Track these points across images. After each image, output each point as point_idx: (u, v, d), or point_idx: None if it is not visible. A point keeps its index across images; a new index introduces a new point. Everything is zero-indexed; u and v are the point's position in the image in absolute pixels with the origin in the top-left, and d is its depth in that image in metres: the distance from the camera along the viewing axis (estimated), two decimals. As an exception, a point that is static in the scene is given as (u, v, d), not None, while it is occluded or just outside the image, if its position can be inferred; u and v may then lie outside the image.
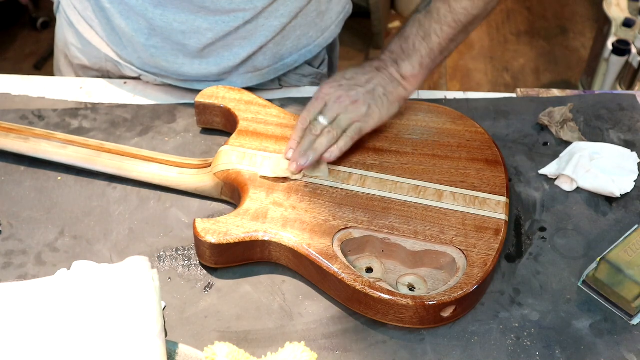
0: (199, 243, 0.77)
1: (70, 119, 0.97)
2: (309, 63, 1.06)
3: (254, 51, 0.98)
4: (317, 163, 0.83)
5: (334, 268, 0.74)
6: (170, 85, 1.03)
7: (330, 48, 1.12)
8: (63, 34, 1.08)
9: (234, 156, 0.85)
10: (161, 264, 0.80)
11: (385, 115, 0.86)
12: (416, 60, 0.86)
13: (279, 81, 1.05)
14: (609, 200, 0.88)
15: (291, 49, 1.01)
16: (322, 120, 0.84)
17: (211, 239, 0.76)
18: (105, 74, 1.07)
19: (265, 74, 1.02)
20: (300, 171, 0.82)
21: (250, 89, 0.99)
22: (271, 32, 0.96)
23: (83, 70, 1.08)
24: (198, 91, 0.95)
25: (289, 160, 0.83)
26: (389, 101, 0.86)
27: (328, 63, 1.12)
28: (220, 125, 0.94)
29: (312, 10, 0.99)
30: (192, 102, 0.96)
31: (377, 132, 0.89)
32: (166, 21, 0.93)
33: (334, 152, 0.83)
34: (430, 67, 0.88)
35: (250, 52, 0.98)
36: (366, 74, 0.86)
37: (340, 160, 0.85)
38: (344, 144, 0.83)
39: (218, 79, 1.00)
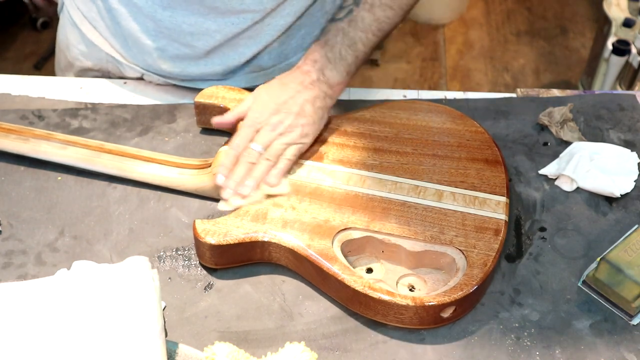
0: (198, 244, 0.77)
1: (70, 119, 0.97)
2: None
3: (259, 50, 0.98)
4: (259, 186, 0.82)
5: (334, 269, 0.74)
6: (170, 85, 1.03)
7: None
8: (65, 34, 1.08)
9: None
10: (161, 264, 0.80)
11: (318, 129, 0.87)
12: (343, 69, 0.87)
13: None
14: (609, 200, 0.88)
15: (296, 48, 1.01)
16: (256, 148, 0.83)
17: (211, 240, 0.76)
18: (106, 75, 1.07)
19: (270, 73, 1.02)
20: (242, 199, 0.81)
21: (254, 89, 0.99)
22: (277, 31, 0.97)
23: (84, 71, 1.08)
24: (199, 90, 0.95)
25: (219, 185, 0.82)
26: (318, 116, 0.86)
27: None
28: (220, 125, 0.94)
29: (317, 9, 0.99)
30: (192, 102, 0.96)
31: (377, 132, 0.89)
32: (175, 23, 0.93)
33: (276, 176, 0.82)
34: (353, 74, 0.89)
35: (256, 52, 0.98)
36: (292, 93, 0.86)
37: (341, 160, 0.85)
38: (284, 166, 0.83)
39: (222, 78, 1.01)
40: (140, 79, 1.04)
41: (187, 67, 0.98)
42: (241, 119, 0.87)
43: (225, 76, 1.00)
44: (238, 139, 0.85)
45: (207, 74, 0.99)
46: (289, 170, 0.84)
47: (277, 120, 0.85)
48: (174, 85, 1.03)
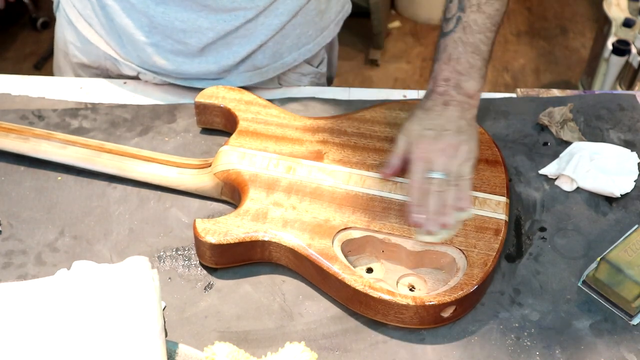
0: (199, 243, 0.77)
1: (70, 119, 0.97)
2: (308, 62, 1.06)
3: (254, 50, 0.98)
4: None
5: (334, 268, 0.74)
6: (170, 85, 1.03)
7: (329, 47, 1.12)
8: (62, 32, 1.08)
9: (234, 156, 0.85)
10: (161, 264, 0.80)
11: (478, 140, 0.83)
12: (478, 75, 0.84)
13: (278, 80, 1.05)
14: (609, 200, 0.88)
15: (290, 48, 1.01)
16: (439, 176, 0.79)
17: (211, 239, 0.76)
18: (105, 72, 1.07)
19: (265, 72, 1.02)
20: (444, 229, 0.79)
21: (249, 88, 0.99)
22: (271, 31, 0.97)
23: (82, 69, 1.09)
24: (198, 90, 0.95)
25: (417, 225, 0.78)
26: (474, 128, 0.83)
27: (327, 62, 1.12)
28: (220, 125, 0.94)
29: (312, 8, 0.99)
30: (192, 102, 0.96)
31: (377, 132, 0.89)
32: (167, 19, 0.93)
33: (467, 199, 0.79)
34: (486, 75, 0.86)
35: (250, 51, 0.98)
36: (442, 115, 0.83)
37: (341, 160, 0.85)
38: (468, 186, 0.80)
39: (217, 77, 1.01)
40: (137, 77, 1.04)
41: (182, 64, 0.98)
42: (406, 159, 0.83)
43: (220, 75, 1.01)
44: (417, 174, 0.80)
45: (202, 73, 0.99)
46: (291, 170, 0.84)
47: (443, 144, 0.80)
48: (174, 85, 1.03)
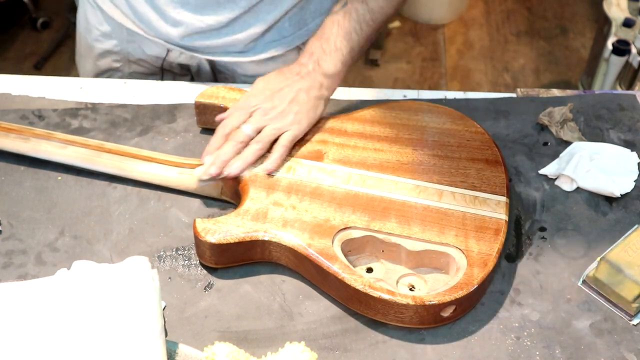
0: (199, 243, 0.77)
1: (70, 119, 0.97)
2: None
3: (281, 16, 1.00)
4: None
5: (334, 268, 0.74)
6: (170, 85, 1.03)
7: None
8: (85, 16, 1.09)
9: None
10: (161, 264, 0.80)
11: (312, 118, 0.88)
12: (338, 59, 0.89)
13: (298, 51, 1.07)
14: (609, 200, 0.88)
15: (314, 13, 1.04)
16: (247, 130, 0.84)
17: (211, 238, 0.76)
18: (125, 58, 1.08)
19: (290, 41, 1.04)
20: (217, 177, 0.82)
21: (269, 60, 1.02)
22: None
23: (104, 54, 1.10)
24: (199, 87, 0.95)
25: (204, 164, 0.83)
26: (312, 105, 0.87)
27: None
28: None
29: None
30: (192, 102, 0.96)
31: (377, 132, 0.89)
32: None
33: (273, 162, 0.83)
34: (350, 65, 0.91)
35: (277, 17, 1.00)
36: (288, 82, 0.88)
37: (341, 160, 0.85)
38: (279, 155, 0.84)
39: (244, 49, 1.02)
40: (160, 65, 1.04)
41: (209, 37, 1.00)
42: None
43: (246, 46, 1.02)
44: (229, 119, 0.85)
45: (229, 44, 1.01)
46: (291, 170, 0.84)
47: (270, 105, 0.86)
48: (174, 85, 1.03)
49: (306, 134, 0.88)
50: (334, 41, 0.89)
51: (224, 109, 0.92)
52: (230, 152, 0.83)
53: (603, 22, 2.10)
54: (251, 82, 0.92)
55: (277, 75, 0.89)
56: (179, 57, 1.04)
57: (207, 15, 0.98)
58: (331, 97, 1.01)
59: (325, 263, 0.74)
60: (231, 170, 0.82)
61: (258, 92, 0.88)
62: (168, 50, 1.05)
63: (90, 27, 1.08)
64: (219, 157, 0.82)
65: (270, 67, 1.04)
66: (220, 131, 0.85)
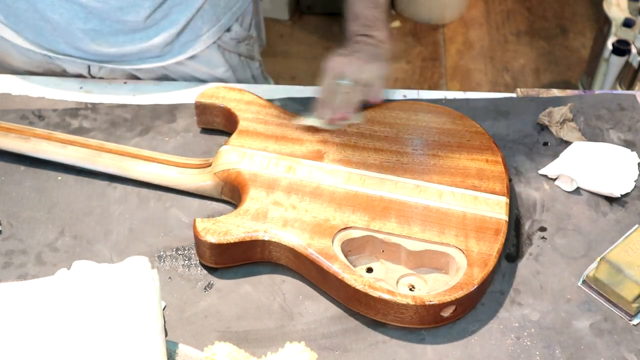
0: (199, 243, 0.77)
1: (70, 119, 0.97)
2: (239, 24, 1.09)
3: (192, 15, 1.00)
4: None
5: (334, 268, 0.74)
6: (170, 85, 1.03)
7: (255, 7, 1.15)
8: None
9: (234, 156, 0.85)
10: (161, 264, 0.80)
11: (389, 66, 0.94)
12: (382, 25, 0.94)
13: (223, 55, 1.08)
14: (609, 200, 0.88)
15: (224, 7, 1.04)
16: (347, 82, 0.89)
17: (211, 238, 0.76)
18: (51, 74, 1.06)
19: (206, 39, 1.04)
20: (343, 121, 0.89)
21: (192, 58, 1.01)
22: None
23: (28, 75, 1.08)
24: (199, 87, 0.95)
25: (325, 119, 0.89)
26: (385, 57, 0.94)
27: (255, 24, 1.16)
28: (220, 125, 0.94)
29: None
30: (192, 102, 0.96)
31: (377, 132, 0.89)
32: (103, 1, 0.94)
33: (379, 96, 0.92)
34: (389, 23, 0.99)
35: (189, 17, 1.00)
36: (358, 45, 0.94)
37: (341, 160, 0.85)
38: (379, 89, 0.92)
39: (161, 53, 1.02)
40: (85, 76, 1.04)
41: (124, 45, 0.99)
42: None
43: (163, 50, 1.02)
44: (326, 79, 0.91)
45: (145, 50, 1.00)
46: (291, 170, 0.84)
47: (354, 59, 0.91)
48: (174, 85, 1.03)
49: (306, 134, 0.88)
50: (369, 14, 0.94)
51: (224, 109, 0.92)
52: (345, 102, 0.90)
53: (603, 22, 2.10)
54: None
55: (343, 53, 0.93)
56: (99, 72, 1.03)
57: (114, 20, 0.96)
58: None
59: (325, 263, 0.74)
60: (348, 115, 0.90)
61: (339, 55, 0.92)
62: (89, 66, 1.03)
63: (4, 55, 1.06)
64: (332, 109, 0.89)
65: (192, 66, 1.06)
66: (324, 91, 0.91)
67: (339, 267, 0.74)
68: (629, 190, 0.88)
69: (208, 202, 0.86)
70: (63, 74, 1.05)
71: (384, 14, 0.94)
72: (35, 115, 0.97)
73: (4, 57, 1.06)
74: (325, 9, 2.79)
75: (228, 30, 1.07)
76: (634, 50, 1.95)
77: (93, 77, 1.05)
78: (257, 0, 1.17)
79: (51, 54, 1.02)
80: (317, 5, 2.79)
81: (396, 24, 2.85)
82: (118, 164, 0.87)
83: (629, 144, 0.94)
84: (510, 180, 0.89)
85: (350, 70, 0.91)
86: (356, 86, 0.90)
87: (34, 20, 0.98)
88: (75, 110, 0.98)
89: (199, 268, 0.80)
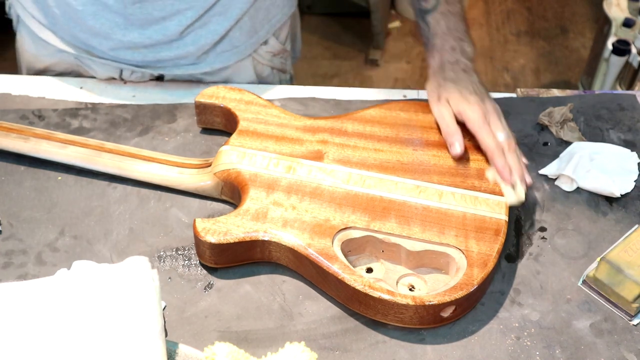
0: (199, 243, 0.77)
1: (70, 119, 0.97)
2: (275, 37, 1.09)
3: (231, 26, 1.00)
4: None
5: (334, 268, 0.74)
6: (170, 85, 1.03)
7: (293, 20, 1.14)
8: (24, 49, 1.08)
9: (234, 156, 0.85)
10: (161, 264, 0.80)
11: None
12: (470, 40, 0.91)
13: (254, 68, 1.07)
14: (609, 200, 0.88)
15: (262, 20, 1.04)
16: (504, 136, 0.84)
17: (211, 238, 0.76)
18: (79, 75, 1.07)
19: (242, 50, 1.04)
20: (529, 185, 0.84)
21: (224, 69, 1.01)
22: (245, 4, 0.99)
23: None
24: (199, 87, 0.95)
25: (510, 184, 0.82)
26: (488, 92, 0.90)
27: (290, 37, 1.15)
28: (220, 125, 0.94)
29: None
30: (192, 102, 0.96)
31: (377, 132, 0.89)
32: (145, 12, 0.94)
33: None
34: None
35: (228, 28, 0.99)
36: (468, 81, 0.88)
37: (341, 160, 0.85)
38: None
39: (196, 61, 1.02)
40: (118, 79, 1.04)
41: (160, 52, 0.99)
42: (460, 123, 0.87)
43: (198, 58, 1.01)
44: (488, 138, 0.84)
45: (180, 56, 1.00)
46: (291, 170, 0.84)
47: (489, 106, 0.86)
48: (174, 85, 1.03)
49: (306, 134, 0.88)
50: (460, 27, 0.90)
51: (224, 109, 0.92)
52: (517, 162, 0.83)
53: (603, 22, 2.10)
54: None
55: (453, 81, 0.88)
56: (130, 75, 1.03)
57: (154, 30, 0.96)
58: (331, 97, 1.01)
59: (325, 263, 0.74)
60: (528, 179, 0.83)
61: (470, 105, 0.86)
62: (121, 70, 1.03)
63: (37, 57, 1.06)
64: (516, 170, 0.82)
65: (222, 74, 1.05)
66: (496, 150, 0.83)
67: (338, 267, 0.74)
68: (629, 190, 0.88)
69: (208, 202, 0.86)
70: (91, 75, 1.05)
71: (467, 26, 0.91)
72: (35, 115, 0.97)
73: (33, 57, 1.07)
74: (325, 9, 2.79)
75: (265, 42, 1.07)
76: (634, 50, 1.95)
77: (123, 80, 1.04)
78: (295, 14, 1.16)
79: (85, 56, 1.02)
80: (317, 5, 2.79)
81: (396, 24, 2.85)
82: (118, 164, 0.87)
83: (629, 144, 0.94)
84: (510, 180, 0.89)
85: (497, 121, 0.84)
86: (510, 138, 0.84)
87: (73, 25, 0.99)
88: (75, 110, 0.98)
89: (199, 268, 0.80)
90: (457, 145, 0.84)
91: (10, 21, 1.11)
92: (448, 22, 0.89)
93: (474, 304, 0.76)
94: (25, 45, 1.08)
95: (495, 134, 0.84)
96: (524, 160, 0.85)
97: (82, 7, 0.95)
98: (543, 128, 0.97)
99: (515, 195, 0.82)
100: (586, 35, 2.78)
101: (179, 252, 0.81)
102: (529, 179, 0.83)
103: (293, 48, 1.18)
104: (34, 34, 1.04)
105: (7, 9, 1.10)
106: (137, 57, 1.00)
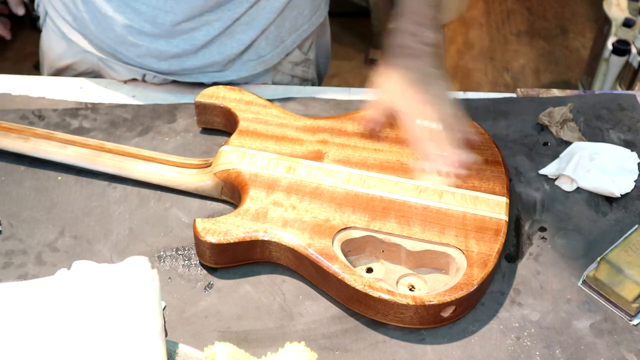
0: (199, 243, 0.77)
1: (70, 119, 0.97)
2: (299, 47, 1.08)
3: (257, 36, 0.99)
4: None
5: (334, 268, 0.74)
6: (170, 85, 1.03)
7: (320, 30, 1.13)
8: (50, 47, 1.08)
9: (234, 156, 0.85)
10: (161, 264, 0.80)
11: (448, 87, 0.87)
12: (434, 25, 0.89)
13: (273, 76, 1.07)
14: (609, 200, 0.88)
15: (289, 30, 1.03)
16: (432, 125, 0.83)
17: (211, 238, 0.76)
18: (99, 76, 1.07)
19: (268, 60, 1.03)
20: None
21: (248, 78, 1.00)
22: (272, 14, 0.98)
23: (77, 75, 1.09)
24: (198, 89, 0.95)
25: (424, 171, 0.83)
26: (442, 72, 0.87)
27: (316, 46, 1.13)
28: (220, 125, 0.94)
29: None
30: (192, 102, 0.96)
31: (377, 132, 0.89)
32: (176, 23, 0.94)
33: (472, 134, 0.84)
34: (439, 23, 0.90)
35: (254, 37, 0.99)
36: (416, 67, 0.86)
37: (341, 160, 0.85)
38: (462, 126, 0.84)
39: (221, 69, 1.01)
40: (142, 80, 1.04)
41: (186, 61, 0.99)
42: (388, 111, 0.87)
43: (224, 67, 1.01)
44: (411, 127, 0.83)
45: (206, 66, 1.00)
46: (291, 170, 0.84)
47: (428, 95, 0.84)
48: (174, 85, 1.03)
49: (306, 134, 0.88)
50: (421, 11, 0.88)
51: (224, 109, 0.92)
52: (437, 149, 0.82)
53: (603, 22, 2.10)
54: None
55: (398, 68, 0.86)
56: (153, 79, 1.03)
57: (182, 39, 0.97)
58: (331, 97, 1.01)
59: (325, 263, 0.74)
60: (462, 158, 0.82)
61: (404, 92, 0.85)
62: (144, 74, 1.03)
63: (61, 55, 1.07)
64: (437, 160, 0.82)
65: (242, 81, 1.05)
66: (414, 139, 0.83)
67: (338, 267, 0.74)
68: (629, 190, 0.88)
69: (208, 202, 0.86)
70: (112, 77, 1.05)
71: (434, 11, 0.88)
72: (35, 115, 0.97)
73: (56, 55, 1.07)
74: (325, 9, 2.79)
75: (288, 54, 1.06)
76: (634, 50, 1.95)
77: (145, 82, 1.04)
78: (325, 24, 1.14)
79: (111, 59, 1.02)
80: (317, 5, 2.79)
81: (396, 24, 2.84)
82: (118, 164, 0.87)
83: (629, 144, 0.94)
84: (510, 180, 0.89)
85: (430, 109, 0.83)
86: (441, 127, 0.83)
87: (101, 31, 0.99)
88: (75, 110, 0.98)
89: (199, 268, 0.80)
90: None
91: (11, 21, 1.11)
92: (411, 4, 0.88)
93: (474, 304, 0.76)
94: (51, 42, 1.08)
95: (422, 123, 0.83)
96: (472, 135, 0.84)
97: (113, 14, 0.95)
98: (543, 128, 0.97)
99: (433, 181, 0.82)
100: (586, 35, 2.78)
101: (179, 252, 0.81)
102: (456, 162, 0.81)
103: (319, 59, 1.16)
104: (62, 33, 1.04)
105: (35, 6, 1.11)
106: (163, 66, 1.00)
